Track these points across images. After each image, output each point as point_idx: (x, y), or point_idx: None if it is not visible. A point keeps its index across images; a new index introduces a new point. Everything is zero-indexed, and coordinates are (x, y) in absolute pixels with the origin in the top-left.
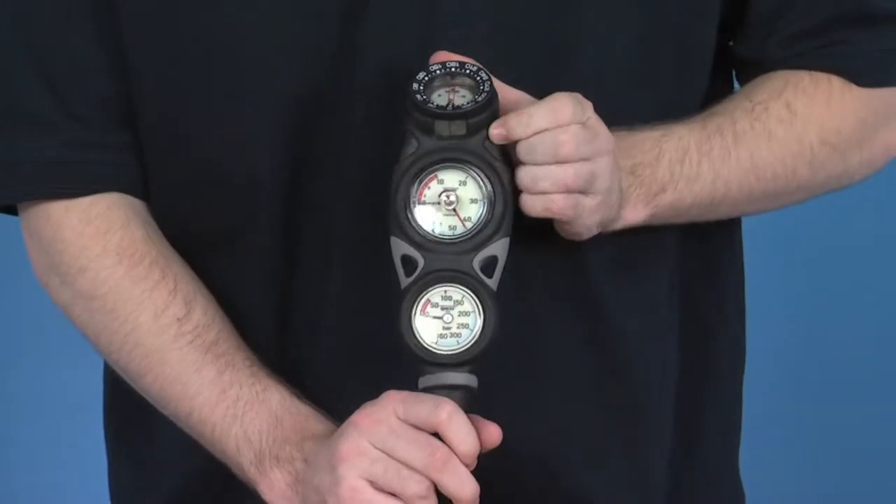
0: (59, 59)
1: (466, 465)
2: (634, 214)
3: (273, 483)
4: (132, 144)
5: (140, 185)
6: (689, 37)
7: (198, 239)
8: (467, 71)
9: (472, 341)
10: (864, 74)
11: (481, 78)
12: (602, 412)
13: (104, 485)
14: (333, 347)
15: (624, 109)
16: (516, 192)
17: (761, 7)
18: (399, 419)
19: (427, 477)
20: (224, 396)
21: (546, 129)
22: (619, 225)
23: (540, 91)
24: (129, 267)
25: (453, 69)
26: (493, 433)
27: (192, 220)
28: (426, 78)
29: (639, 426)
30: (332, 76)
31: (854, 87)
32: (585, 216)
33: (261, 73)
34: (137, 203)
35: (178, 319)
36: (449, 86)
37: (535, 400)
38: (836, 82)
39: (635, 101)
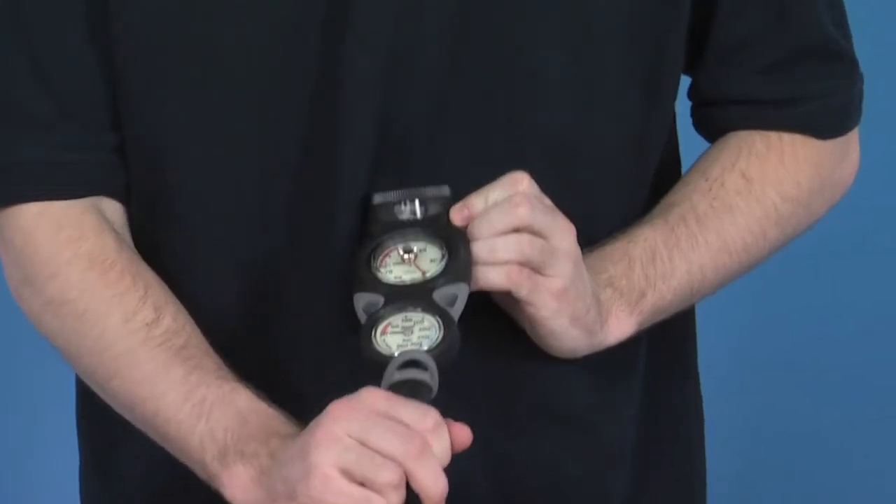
0: (53, 58)
1: None
2: (621, 326)
3: (234, 476)
4: (121, 147)
5: (125, 189)
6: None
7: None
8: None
9: (435, 343)
10: (823, 130)
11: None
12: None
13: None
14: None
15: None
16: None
17: (722, 38)
18: (377, 412)
19: (401, 465)
20: (190, 395)
21: (502, 200)
22: (611, 339)
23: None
24: (100, 273)
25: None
26: (462, 434)
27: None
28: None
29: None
30: (311, 89)
31: (808, 137)
32: (550, 302)
33: (244, 84)
34: (115, 209)
35: (148, 324)
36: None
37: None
38: (787, 136)
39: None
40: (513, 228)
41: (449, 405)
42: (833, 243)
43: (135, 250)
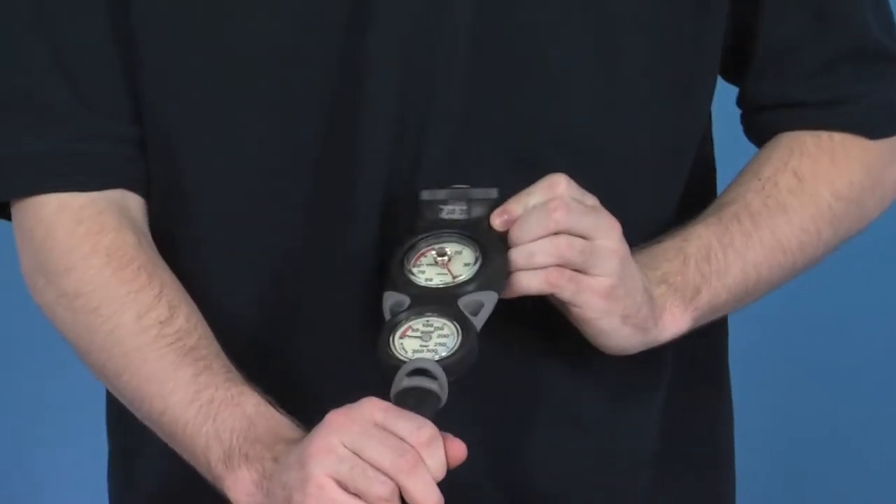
0: (75, 50)
1: None
2: (676, 322)
3: (239, 479)
4: (142, 141)
5: (145, 183)
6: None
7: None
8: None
9: (450, 353)
10: (872, 129)
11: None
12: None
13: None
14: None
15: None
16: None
17: (765, 44)
18: (375, 423)
19: (393, 479)
20: (198, 396)
21: (539, 204)
22: (666, 335)
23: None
24: (117, 269)
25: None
26: (458, 449)
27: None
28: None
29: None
30: (335, 87)
31: (858, 137)
32: (597, 302)
33: (265, 84)
34: (135, 204)
35: (161, 322)
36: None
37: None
38: (837, 136)
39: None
40: (550, 233)
41: (463, 409)
42: (860, 243)
43: (154, 248)
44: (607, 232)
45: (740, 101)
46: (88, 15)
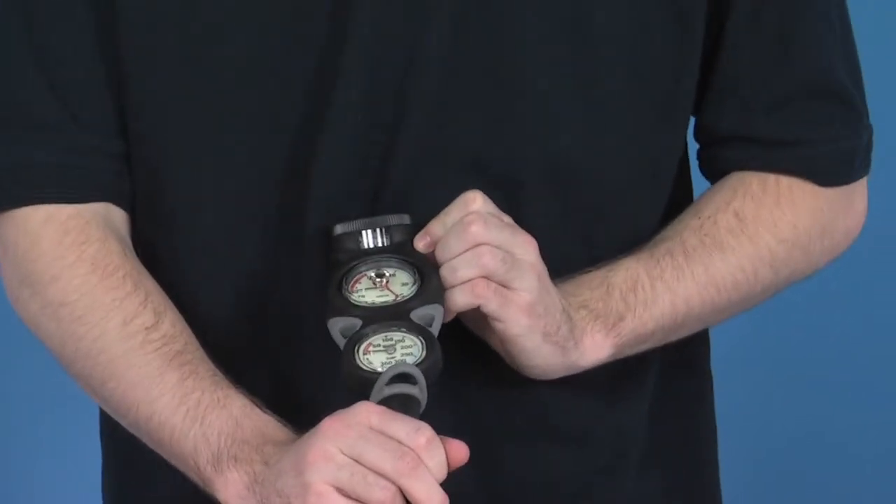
0: (62, 63)
1: None
2: (597, 347)
3: (229, 482)
4: (127, 154)
5: (130, 196)
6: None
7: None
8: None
9: (419, 360)
10: (822, 176)
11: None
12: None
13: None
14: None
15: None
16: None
17: (725, 72)
18: (370, 428)
19: (394, 483)
20: (185, 400)
21: (457, 221)
22: (587, 360)
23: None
24: (102, 277)
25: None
26: (460, 450)
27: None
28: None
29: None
30: (312, 102)
31: (807, 182)
32: (521, 318)
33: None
34: (119, 217)
35: (146, 328)
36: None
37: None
38: (785, 179)
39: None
40: (470, 246)
41: (449, 420)
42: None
43: (138, 260)
44: (525, 247)
45: (697, 134)
46: (75, 31)
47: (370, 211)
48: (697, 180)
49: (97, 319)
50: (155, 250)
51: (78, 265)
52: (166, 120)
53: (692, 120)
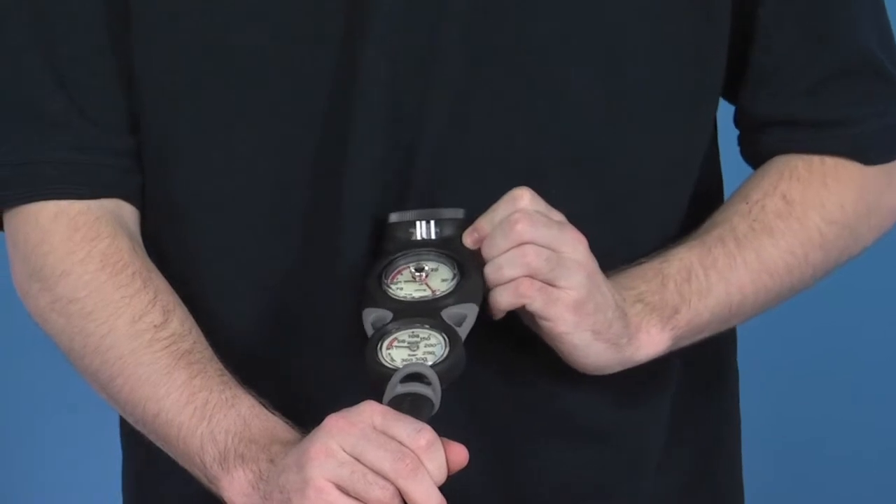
0: (73, 60)
1: None
2: (652, 341)
3: (235, 480)
4: (138, 151)
5: (140, 193)
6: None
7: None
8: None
9: (440, 360)
10: (867, 155)
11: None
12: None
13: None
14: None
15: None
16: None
17: (762, 59)
18: (373, 427)
19: (393, 483)
20: (193, 399)
21: (504, 218)
22: (641, 355)
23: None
24: (112, 274)
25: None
26: (460, 454)
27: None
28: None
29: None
30: (334, 98)
31: (852, 161)
32: (567, 316)
33: (262, 97)
34: (129, 214)
35: (155, 326)
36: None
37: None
38: (830, 160)
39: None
40: (515, 244)
41: (465, 419)
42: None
43: (148, 257)
44: (573, 245)
45: (737, 120)
46: (87, 28)
47: (397, 206)
48: (727, 165)
49: (106, 316)
50: (166, 248)
51: (88, 261)
52: (180, 118)
53: (732, 108)
